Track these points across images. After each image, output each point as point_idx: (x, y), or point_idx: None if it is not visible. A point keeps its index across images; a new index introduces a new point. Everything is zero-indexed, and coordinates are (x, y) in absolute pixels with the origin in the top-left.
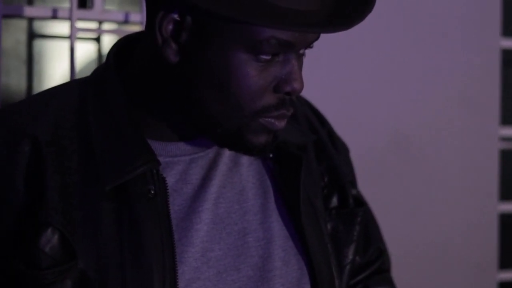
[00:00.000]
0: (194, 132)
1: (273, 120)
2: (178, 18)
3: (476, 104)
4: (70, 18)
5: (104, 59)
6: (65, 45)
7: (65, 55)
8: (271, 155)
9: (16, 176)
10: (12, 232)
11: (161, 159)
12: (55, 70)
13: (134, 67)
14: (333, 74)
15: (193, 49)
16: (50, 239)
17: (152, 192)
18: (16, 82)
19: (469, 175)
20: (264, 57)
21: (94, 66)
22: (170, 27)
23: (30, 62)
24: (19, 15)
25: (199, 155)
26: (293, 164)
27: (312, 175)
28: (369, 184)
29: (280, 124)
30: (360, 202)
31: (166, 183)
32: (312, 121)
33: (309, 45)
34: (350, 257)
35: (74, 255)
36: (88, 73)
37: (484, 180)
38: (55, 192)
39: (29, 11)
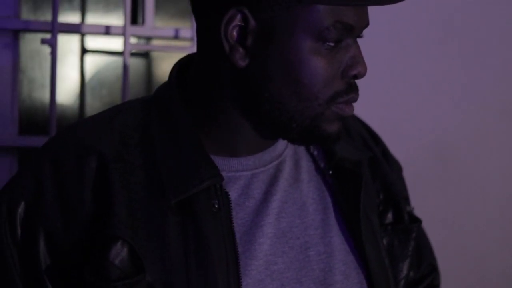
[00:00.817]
0: (262, 140)
1: (343, 106)
2: (241, 23)
3: None
4: (123, 35)
5: (153, 74)
6: (114, 60)
7: (114, 69)
8: (330, 172)
9: (84, 190)
10: (80, 243)
11: (223, 174)
12: (106, 84)
13: (196, 84)
14: (376, 87)
15: (261, 49)
16: (120, 252)
17: (216, 206)
18: (68, 95)
19: (508, 189)
20: (330, 44)
21: (143, 81)
22: (235, 33)
23: (83, 76)
24: (74, 32)
25: (260, 170)
26: (352, 181)
27: (368, 191)
28: (411, 195)
29: (350, 109)
30: (415, 218)
31: (230, 198)
32: (366, 139)
33: (363, 30)
34: (405, 272)
35: (142, 268)
36: (137, 87)
37: None
38: (123, 206)
39: (83, 28)
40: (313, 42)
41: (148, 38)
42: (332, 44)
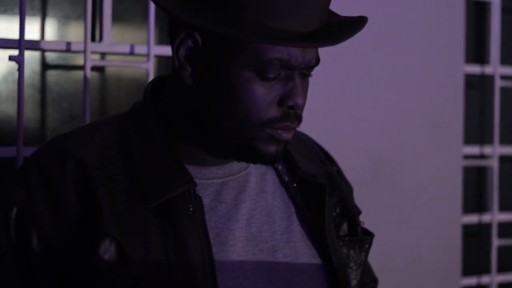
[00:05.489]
0: (221, 155)
1: (279, 131)
2: (192, 44)
3: (443, 126)
4: (84, 51)
5: (108, 88)
6: (73, 74)
7: (73, 83)
8: (294, 184)
9: (69, 193)
10: (70, 240)
11: (196, 180)
12: (66, 97)
13: (167, 99)
14: (318, 95)
15: (206, 70)
16: (108, 248)
17: (191, 209)
18: (30, 108)
19: (437, 191)
20: (269, 75)
21: (99, 94)
22: (185, 52)
23: (44, 89)
24: (38, 49)
25: (230, 179)
26: (316, 193)
27: (329, 203)
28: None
29: (287, 135)
30: (368, 232)
31: (203, 202)
32: (322, 158)
33: (309, 66)
34: (357, 280)
35: (128, 263)
36: (94, 100)
37: (450, 195)
38: (108, 208)
39: (46, 45)
40: (251, 72)
41: (104, 54)
42: (271, 75)
